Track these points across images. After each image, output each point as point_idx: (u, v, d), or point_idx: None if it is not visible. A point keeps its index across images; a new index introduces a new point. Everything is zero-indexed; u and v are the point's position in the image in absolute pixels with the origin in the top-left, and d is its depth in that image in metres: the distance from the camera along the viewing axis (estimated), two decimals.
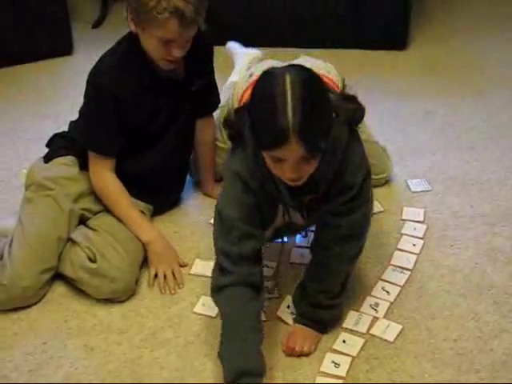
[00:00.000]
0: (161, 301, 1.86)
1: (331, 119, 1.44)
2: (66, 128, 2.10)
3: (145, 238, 1.93)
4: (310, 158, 1.40)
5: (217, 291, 1.62)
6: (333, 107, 1.46)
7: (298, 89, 1.35)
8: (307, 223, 1.73)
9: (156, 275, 1.91)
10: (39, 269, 1.83)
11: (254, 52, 2.70)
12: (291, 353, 1.70)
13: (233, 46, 2.81)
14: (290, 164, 1.40)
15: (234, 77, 2.55)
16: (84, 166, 1.99)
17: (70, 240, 1.90)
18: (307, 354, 1.69)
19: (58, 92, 2.89)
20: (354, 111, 1.53)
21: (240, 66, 2.62)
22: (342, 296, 1.74)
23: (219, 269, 1.62)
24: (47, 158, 2.03)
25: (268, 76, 1.42)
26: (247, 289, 1.59)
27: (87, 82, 1.89)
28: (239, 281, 1.58)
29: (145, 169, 2.01)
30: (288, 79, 1.35)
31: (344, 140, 1.52)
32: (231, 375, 1.54)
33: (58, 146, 2.05)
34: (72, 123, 2.07)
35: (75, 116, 2.04)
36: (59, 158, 2.01)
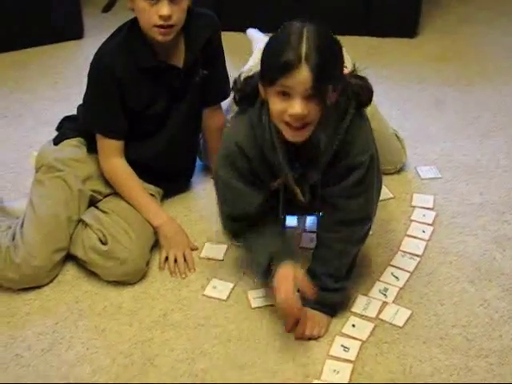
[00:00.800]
0: (171, 283, 1.87)
1: (342, 71, 1.53)
2: (75, 111, 2.11)
3: (155, 222, 1.94)
4: (317, 94, 1.44)
5: (235, 237, 1.78)
6: (342, 80, 1.53)
7: (314, 33, 1.45)
8: (310, 204, 1.71)
9: (167, 258, 1.92)
10: (51, 249, 1.84)
11: None
12: (301, 337, 1.71)
13: (253, 32, 2.78)
14: (297, 96, 1.44)
15: (251, 62, 2.54)
16: (91, 149, 2.00)
17: (81, 222, 1.92)
18: (317, 338, 1.71)
19: (69, 75, 2.89)
20: (362, 87, 1.59)
21: (258, 52, 2.60)
22: (349, 279, 1.75)
23: (227, 227, 1.77)
24: (57, 141, 2.04)
25: (285, 25, 1.50)
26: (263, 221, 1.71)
27: (90, 64, 1.91)
28: (252, 224, 1.70)
29: (150, 154, 2.02)
30: (305, 27, 1.46)
31: (351, 115, 1.56)
32: (263, 263, 1.66)
33: (66, 128, 2.07)
34: (80, 106, 2.08)
35: None
36: (68, 140, 2.03)
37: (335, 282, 1.72)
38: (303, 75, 1.42)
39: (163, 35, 1.82)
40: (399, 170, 2.26)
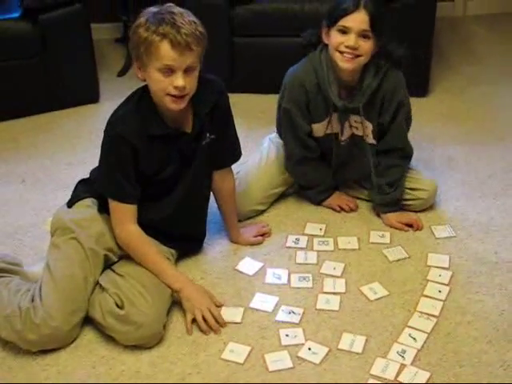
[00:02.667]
0: (188, 347, 1.86)
1: (384, 26, 2.10)
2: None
3: (175, 286, 1.94)
4: (369, 34, 2.06)
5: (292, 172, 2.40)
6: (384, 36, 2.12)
7: None
8: (348, 149, 2.33)
9: (193, 320, 1.91)
10: (68, 309, 1.85)
11: None
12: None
13: None
14: (353, 33, 2.05)
15: None
16: (102, 209, 2.03)
17: (98, 285, 1.93)
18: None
19: (86, 139, 2.95)
20: (397, 49, 2.19)
21: None
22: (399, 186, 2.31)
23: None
24: (70, 203, 2.08)
25: None
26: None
27: (104, 131, 1.95)
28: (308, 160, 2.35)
29: (160, 217, 2.04)
30: None
31: (386, 67, 2.17)
32: (328, 183, 2.39)
33: (79, 190, 2.11)
34: (94, 170, 2.12)
35: None
36: (81, 201, 2.06)
37: (390, 187, 2.29)
38: (361, 16, 2.05)
39: (177, 103, 1.87)
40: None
